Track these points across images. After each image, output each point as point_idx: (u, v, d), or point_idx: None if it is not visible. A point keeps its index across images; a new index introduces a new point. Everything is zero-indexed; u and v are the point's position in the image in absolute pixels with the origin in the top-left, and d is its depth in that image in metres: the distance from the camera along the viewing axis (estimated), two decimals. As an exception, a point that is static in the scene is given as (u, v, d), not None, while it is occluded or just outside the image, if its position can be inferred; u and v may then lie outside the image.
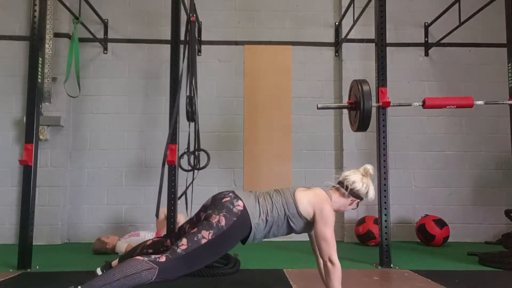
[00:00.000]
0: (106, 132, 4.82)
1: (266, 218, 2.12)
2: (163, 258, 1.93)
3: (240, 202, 2.10)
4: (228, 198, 2.11)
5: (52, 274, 2.97)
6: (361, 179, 2.23)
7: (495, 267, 3.20)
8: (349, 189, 2.22)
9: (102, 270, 2.22)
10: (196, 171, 3.33)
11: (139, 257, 1.94)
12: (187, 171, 3.28)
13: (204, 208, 2.19)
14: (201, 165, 3.37)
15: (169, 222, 3.36)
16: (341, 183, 2.26)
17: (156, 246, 2.35)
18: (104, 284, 1.83)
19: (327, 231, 2.09)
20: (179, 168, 3.33)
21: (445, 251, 4.04)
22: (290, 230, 2.20)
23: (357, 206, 2.31)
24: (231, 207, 2.07)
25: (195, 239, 1.98)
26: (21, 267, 3.04)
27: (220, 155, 4.79)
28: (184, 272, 2.00)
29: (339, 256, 2.13)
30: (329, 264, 2.09)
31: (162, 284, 1.93)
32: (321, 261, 2.23)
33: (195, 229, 2.03)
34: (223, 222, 2.02)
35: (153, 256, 1.94)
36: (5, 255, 3.57)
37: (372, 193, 2.24)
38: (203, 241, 1.98)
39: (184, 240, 1.99)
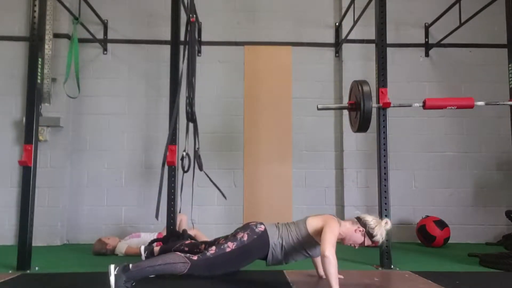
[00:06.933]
0: (105, 132, 4.81)
1: (282, 242, 2.58)
2: (195, 257, 2.46)
3: (262, 226, 2.61)
4: (254, 223, 2.65)
5: (52, 275, 2.96)
6: (377, 222, 2.57)
7: (495, 268, 3.19)
8: (362, 220, 2.58)
9: (115, 268, 2.31)
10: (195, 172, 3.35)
11: (178, 252, 2.51)
12: None
13: (237, 229, 2.71)
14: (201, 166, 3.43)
15: (168, 223, 3.36)
16: (358, 218, 2.63)
17: (191, 247, 2.88)
18: (148, 265, 2.37)
19: (334, 229, 2.45)
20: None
21: (445, 252, 4.03)
22: (307, 254, 2.65)
23: (363, 239, 2.57)
24: (254, 228, 2.60)
25: (222, 247, 2.52)
26: (21, 268, 3.03)
27: (220, 156, 4.79)
28: (208, 272, 2.51)
29: (340, 257, 2.32)
30: (330, 256, 2.30)
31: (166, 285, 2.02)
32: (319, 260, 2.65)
33: (224, 241, 2.58)
34: (245, 238, 2.55)
35: (188, 254, 2.50)
36: (4, 256, 3.56)
37: (378, 233, 2.52)
38: (227, 249, 2.51)
39: (214, 247, 2.54)
